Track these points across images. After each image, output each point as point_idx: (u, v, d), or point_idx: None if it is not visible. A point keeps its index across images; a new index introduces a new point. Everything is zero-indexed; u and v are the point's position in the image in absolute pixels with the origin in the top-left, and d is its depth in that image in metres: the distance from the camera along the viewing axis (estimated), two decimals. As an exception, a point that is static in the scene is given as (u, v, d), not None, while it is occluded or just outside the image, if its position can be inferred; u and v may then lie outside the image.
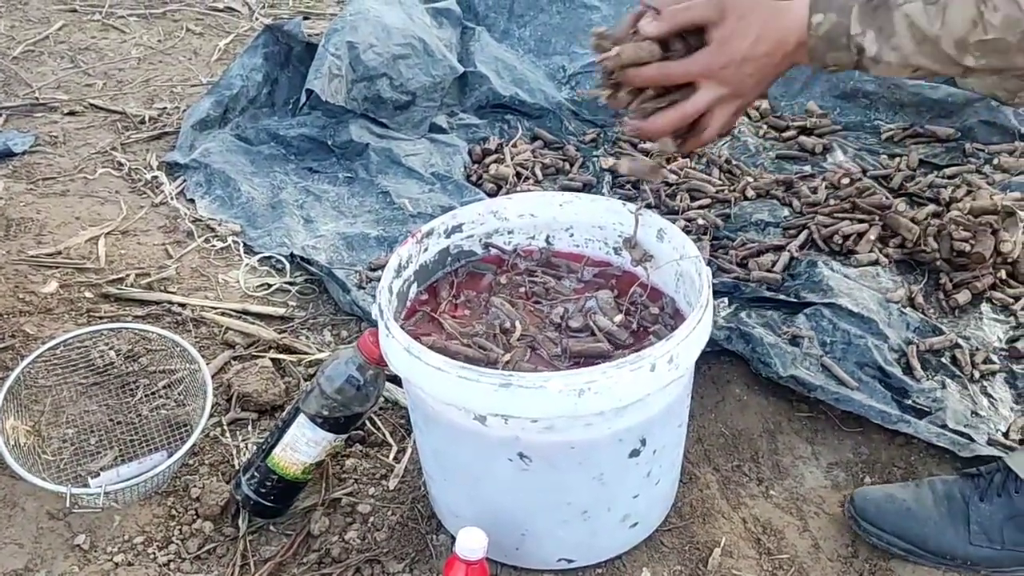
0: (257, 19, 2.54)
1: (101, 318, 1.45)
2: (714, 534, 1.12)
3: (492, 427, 0.92)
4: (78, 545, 1.11)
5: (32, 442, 1.21)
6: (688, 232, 1.52)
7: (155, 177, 1.83)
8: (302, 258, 1.56)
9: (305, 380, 1.33)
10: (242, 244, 1.64)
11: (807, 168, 1.75)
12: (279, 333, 1.42)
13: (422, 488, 1.16)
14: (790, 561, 1.09)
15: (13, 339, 1.39)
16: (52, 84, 2.20)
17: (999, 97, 1.78)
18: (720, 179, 1.70)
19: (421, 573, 1.07)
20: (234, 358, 1.37)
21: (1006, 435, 1.21)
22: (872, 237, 1.48)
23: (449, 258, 1.15)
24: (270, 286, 1.54)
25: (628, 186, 1.70)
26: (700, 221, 1.55)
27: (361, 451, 1.23)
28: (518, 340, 1.02)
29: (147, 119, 2.04)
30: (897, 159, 1.73)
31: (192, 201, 1.77)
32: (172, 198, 1.77)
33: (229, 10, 2.61)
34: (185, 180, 1.81)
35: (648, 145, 1.02)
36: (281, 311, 1.48)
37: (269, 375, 1.30)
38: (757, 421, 1.26)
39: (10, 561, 1.09)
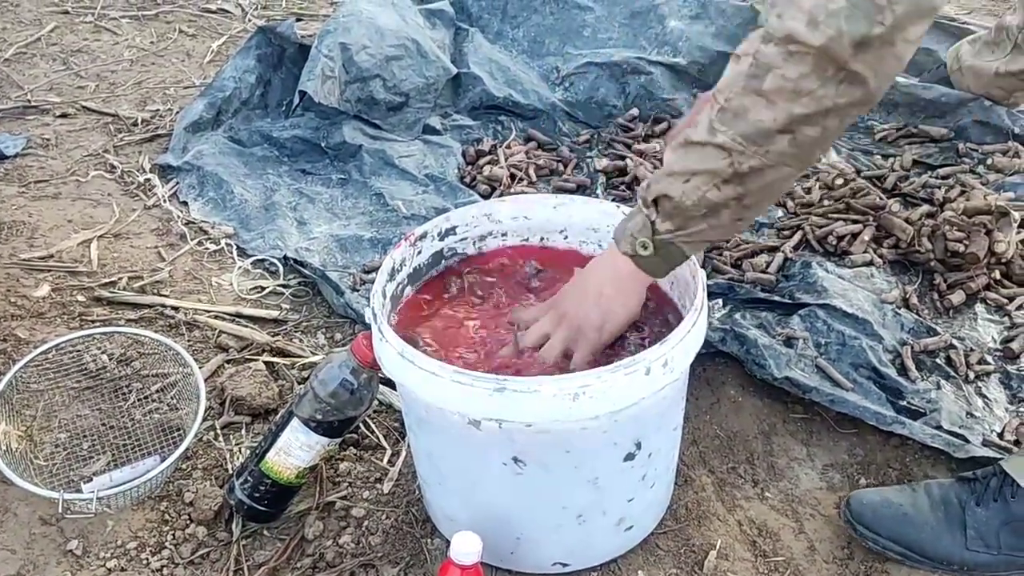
0: (250, 21, 2.53)
1: (93, 322, 1.44)
2: (710, 537, 1.11)
3: (486, 431, 0.91)
4: (71, 551, 1.10)
5: (24, 447, 1.21)
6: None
7: (148, 180, 1.82)
8: (295, 260, 1.55)
9: (299, 383, 1.33)
10: (235, 247, 1.64)
11: (801, 168, 1.74)
12: (272, 336, 1.42)
13: (416, 492, 1.16)
14: (786, 563, 1.09)
15: (5, 343, 1.39)
16: (44, 86, 2.19)
17: (993, 96, 1.78)
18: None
19: (416, 577, 1.07)
20: (227, 361, 1.37)
21: (1001, 436, 1.21)
22: (866, 238, 1.48)
23: (443, 260, 1.15)
24: (263, 289, 1.53)
25: (622, 187, 1.70)
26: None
27: (355, 454, 1.22)
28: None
29: (140, 121, 2.03)
30: (891, 159, 1.73)
31: (185, 204, 1.76)
32: (165, 201, 1.76)
33: (222, 12, 2.60)
34: (178, 182, 1.81)
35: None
36: (275, 314, 1.47)
37: (263, 378, 1.30)
38: (752, 423, 1.26)
39: (2, 567, 1.08)
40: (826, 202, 1.59)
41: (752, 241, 1.53)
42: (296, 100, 1.90)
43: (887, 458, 1.21)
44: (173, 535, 1.12)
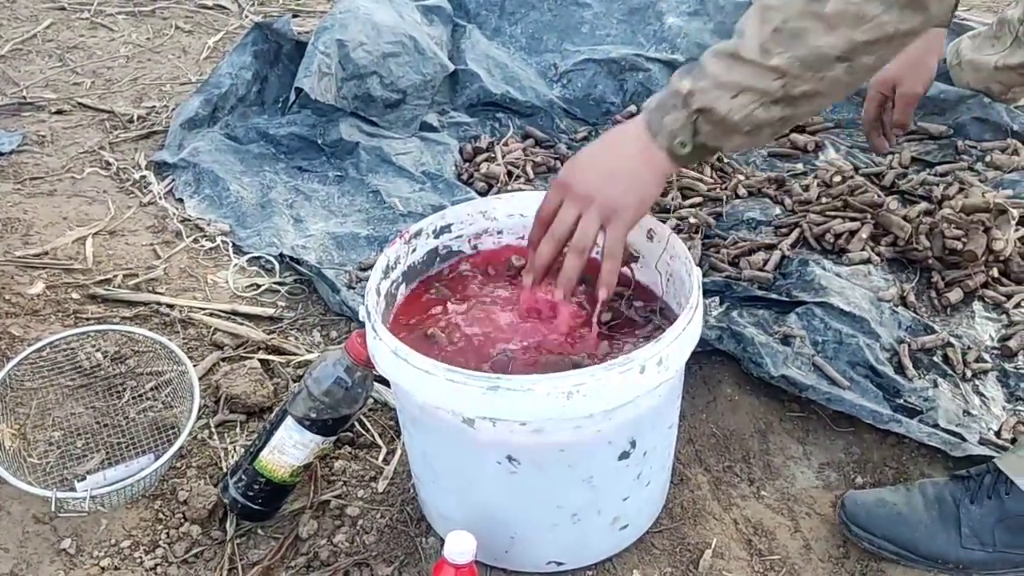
0: (247, 17, 2.53)
1: (88, 319, 1.44)
2: (705, 535, 1.11)
3: (480, 430, 0.91)
4: (64, 549, 1.10)
5: (17, 445, 1.20)
6: (679, 231, 1.51)
7: (143, 177, 1.82)
8: (291, 258, 1.55)
9: (294, 381, 1.32)
10: (231, 244, 1.63)
11: (799, 166, 1.74)
12: (268, 334, 1.41)
13: (411, 490, 1.15)
14: (781, 562, 1.08)
15: (-1, 341, 1.39)
16: (40, 83, 2.18)
17: (992, 93, 1.78)
18: (712, 177, 1.69)
19: (410, 576, 1.06)
20: (222, 359, 1.36)
21: (998, 434, 1.20)
22: (864, 235, 1.48)
23: (438, 258, 1.14)
24: (259, 286, 1.53)
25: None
26: (692, 219, 1.54)
27: (350, 453, 1.22)
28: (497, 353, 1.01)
29: (135, 118, 2.03)
30: (889, 157, 1.73)
31: (181, 201, 1.75)
32: (160, 198, 1.76)
33: (218, 8, 2.59)
34: (174, 179, 1.80)
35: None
36: (270, 312, 1.47)
37: (258, 376, 1.29)
38: (748, 421, 1.26)
39: (-5, 566, 1.08)
40: (824, 199, 1.58)
41: (749, 239, 1.52)
42: (292, 97, 1.89)
43: (884, 456, 1.21)
44: (167, 534, 1.11)
